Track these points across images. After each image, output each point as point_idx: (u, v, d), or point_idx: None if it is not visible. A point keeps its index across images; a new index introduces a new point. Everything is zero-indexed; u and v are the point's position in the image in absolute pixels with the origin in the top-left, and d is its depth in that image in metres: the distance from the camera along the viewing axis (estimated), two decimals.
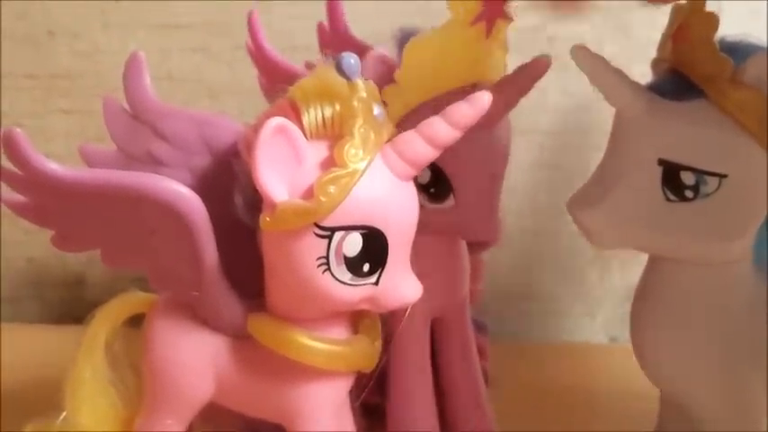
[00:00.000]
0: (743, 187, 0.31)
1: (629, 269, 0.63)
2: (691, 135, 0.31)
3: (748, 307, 0.34)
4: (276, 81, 0.37)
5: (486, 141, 0.36)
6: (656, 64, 0.36)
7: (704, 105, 0.31)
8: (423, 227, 0.31)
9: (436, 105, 0.34)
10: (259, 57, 0.42)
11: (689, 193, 0.31)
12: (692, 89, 0.31)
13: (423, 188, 0.37)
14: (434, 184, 0.37)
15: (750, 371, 0.34)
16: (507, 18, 0.36)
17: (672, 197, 0.32)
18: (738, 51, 0.31)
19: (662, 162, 0.32)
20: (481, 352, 0.45)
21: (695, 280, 0.34)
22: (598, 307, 0.66)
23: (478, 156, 0.36)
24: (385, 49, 0.37)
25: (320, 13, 0.42)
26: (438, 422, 0.42)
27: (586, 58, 0.32)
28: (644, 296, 0.36)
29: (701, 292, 0.34)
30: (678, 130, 0.31)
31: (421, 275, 0.31)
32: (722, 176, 0.31)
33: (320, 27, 0.43)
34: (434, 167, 0.36)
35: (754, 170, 0.31)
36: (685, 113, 0.31)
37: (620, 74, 0.32)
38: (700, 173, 0.31)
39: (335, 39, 0.41)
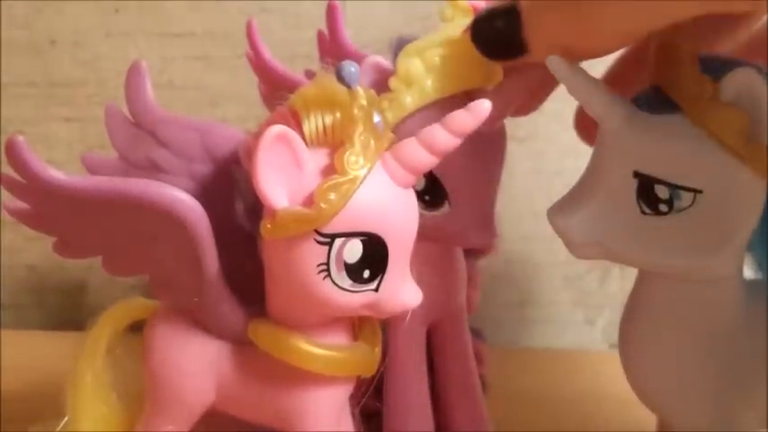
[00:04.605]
0: (719, 204, 0.30)
1: (628, 276, 0.63)
2: (666, 149, 0.30)
3: (737, 325, 0.33)
4: (276, 89, 0.37)
5: (480, 148, 0.36)
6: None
7: (682, 119, 0.31)
8: (418, 233, 0.31)
9: (431, 113, 0.35)
10: (259, 65, 0.42)
11: (663, 207, 0.31)
12: (671, 103, 0.31)
13: (418, 195, 0.37)
14: (429, 191, 0.37)
15: (738, 392, 0.34)
16: None
17: (646, 210, 0.31)
18: (718, 67, 0.30)
19: (637, 174, 0.31)
20: (479, 359, 0.45)
21: (681, 296, 0.33)
22: (597, 314, 0.66)
23: (473, 163, 0.36)
24: (384, 57, 0.37)
25: (320, 22, 0.42)
26: (434, 428, 0.42)
27: (563, 69, 0.31)
28: (632, 311, 0.36)
29: (687, 309, 0.33)
30: (654, 144, 0.31)
31: (417, 282, 0.31)
32: (697, 192, 0.30)
33: (320, 35, 0.43)
34: (429, 174, 0.36)
35: (730, 187, 0.30)
36: (662, 127, 0.31)
37: (597, 84, 0.31)
38: (674, 187, 0.30)
39: (335, 47, 0.42)
